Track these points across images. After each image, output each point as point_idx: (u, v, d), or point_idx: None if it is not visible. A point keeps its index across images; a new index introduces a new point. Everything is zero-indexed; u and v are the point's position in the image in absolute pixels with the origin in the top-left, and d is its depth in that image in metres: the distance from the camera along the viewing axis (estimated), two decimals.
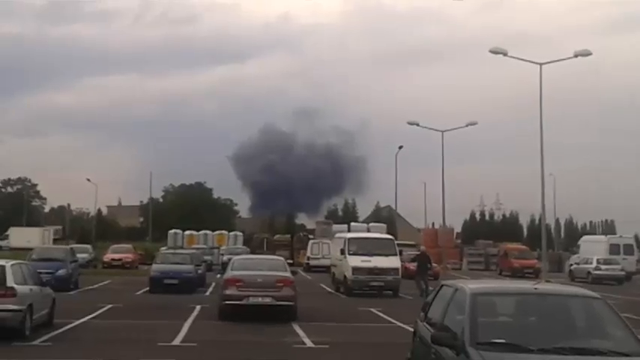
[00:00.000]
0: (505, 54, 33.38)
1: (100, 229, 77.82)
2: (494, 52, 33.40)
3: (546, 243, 36.23)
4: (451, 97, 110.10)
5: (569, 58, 33.09)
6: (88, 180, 72.73)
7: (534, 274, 40.39)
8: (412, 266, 28.58)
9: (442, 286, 8.72)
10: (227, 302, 17.42)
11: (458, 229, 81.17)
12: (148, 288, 25.83)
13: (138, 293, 25.22)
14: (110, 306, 19.88)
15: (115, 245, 46.89)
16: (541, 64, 32.66)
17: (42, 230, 66.27)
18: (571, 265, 43.41)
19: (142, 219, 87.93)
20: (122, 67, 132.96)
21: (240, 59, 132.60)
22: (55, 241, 59.73)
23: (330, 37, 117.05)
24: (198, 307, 19.83)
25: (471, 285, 7.90)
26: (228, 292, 17.43)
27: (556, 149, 73.45)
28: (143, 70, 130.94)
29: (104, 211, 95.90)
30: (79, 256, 30.43)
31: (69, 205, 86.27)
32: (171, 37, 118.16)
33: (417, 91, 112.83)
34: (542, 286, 8.37)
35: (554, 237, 68.77)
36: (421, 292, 26.13)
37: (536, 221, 74.18)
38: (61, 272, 24.29)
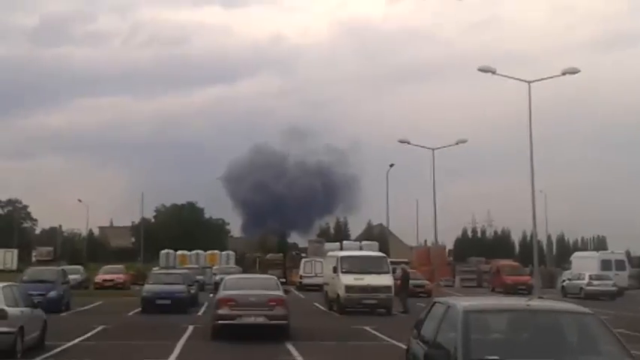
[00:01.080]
0: (494, 72, 33.60)
1: (91, 249, 77.49)
2: (483, 70, 33.61)
3: (538, 259, 36.26)
4: (442, 115, 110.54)
5: (557, 75, 33.34)
6: (80, 201, 72.53)
7: (527, 291, 40.37)
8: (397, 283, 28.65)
9: (435, 303, 8.71)
10: (220, 322, 17.33)
11: (450, 246, 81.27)
12: (140, 308, 25.68)
13: (130, 314, 25.06)
14: (102, 327, 19.72)
15: (107, 266, 46.67)
16: (529, 82, 32.89)
17: (3, 252, 66.46)
18: (563, 281, 43.39)
19: (133, 239, 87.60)
20: (113, 88, 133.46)
21: (231, 80, 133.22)
22: (39, 262, 59.48)
23: (321, 57, 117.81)
24: (190, 327, 19.72)
25: (464, 302, 7.90)
26: (220, 311, 17.35)
27: (546, 166, 73.81)
28: (134, 92, 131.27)
29: (96, 231, 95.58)
30: (70, 277, 30.22)
31: (60, 226, 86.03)
32: (162, 58, 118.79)
33: (408, 110, 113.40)
34: (535, 303, 8.38)
35: (546, 253, 68.82)
36: (404, 310, 26.30)
37: (528, 238, 74.37)
38: (52, 294, 24.12)
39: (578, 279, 40.66)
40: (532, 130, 32.52)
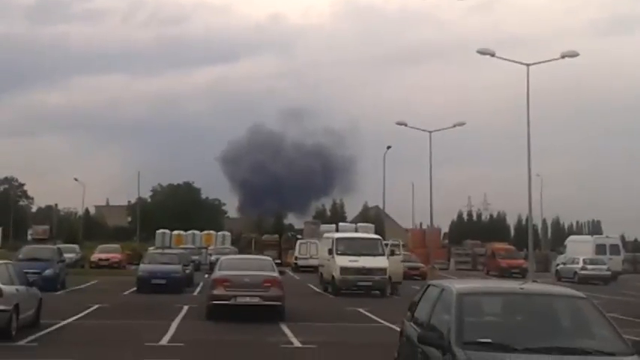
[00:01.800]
0: (493, 55, 33.46)
1: (87, 229, 77.46)
2: (482, 52, 33.47)
3: (533, 243, 36.37)
4: (441, 98, 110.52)
5: (556, 59, 33.22)
6: (76, 180, 72.37)
7: (521, 274, 40.55)
8: None
9: (429, 285, 8.72)
10: (215, 302, 17.39)
11: (445, 229, 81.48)
12: (135, 288, 25.74)
13: (125, 293, 25.12)
14: (97, 306, 19.78)
15: (103, 245, 46.72)
16: (528, 65, 32.78)
17: None
18: (557, 265, 43.62)
19: (129, 219, 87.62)
20: (111, 67, 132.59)
21: (230, 60, 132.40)
22: (35, 240, 59.58)
23: (321, 38, 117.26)
24: (185, 307, 19.78)
25: (458, 285, 7.92)
26: (215, 292, 17.39)
27: (543, 150, 73.84)
28: (132, 70, 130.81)
29: (92, 211, 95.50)
30: (66, 256, 30.24)
31: (56, 205, 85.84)
32: (161, 37, 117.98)
33: (407, 92, 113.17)
34: (529, 286, 8.39)
35: (541, 237, 69.05)
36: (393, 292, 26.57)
37: (523, 221, 74.49)
38: (47, 272, 24.11)
39: (573, 263, 40.87)
40: (530, 113, 32.49)
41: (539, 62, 33.66)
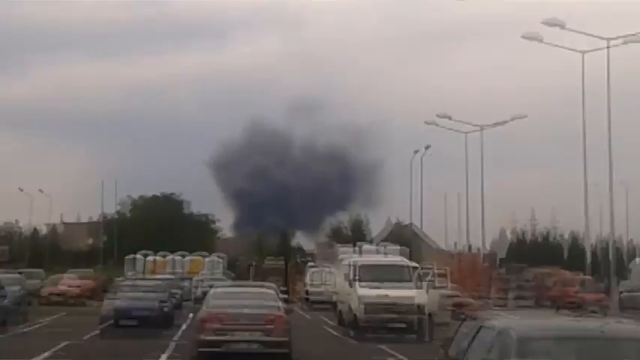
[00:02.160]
0: (540, 40, 33.55)
1: (37, 252, 77.73)
2: (528, 37, 33.60)
3: (591, 268, 36.35)
4: (477, 88, 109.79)
5: (616, 45, 33.19)
6: (21, 190, 72.79)
7: (600, 311, 40.45)
8: None
9: (481, 327, 8.58)
10: (202, 350, 17.34)
11: (484, 250, 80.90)
12: (98, 331, 25.62)
13: (86, 337, 24.93)
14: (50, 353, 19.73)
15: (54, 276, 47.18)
16: (583, 52, 32.70)
17: None
18: (621, 292, 43.88)
19: (91, 240, 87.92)
20: (75, 49, 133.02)
21: (223, 40, 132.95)
22: None
23: (336, 13, 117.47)
24: (164, 356, 19.70)
25: (517, 325, 7.84)
26: (203, 336, 17.36)
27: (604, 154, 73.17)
28: (102, 54, 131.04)
29: (43, 229, 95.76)
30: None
31: (17, 221, 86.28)
32: (139, 13, 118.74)
33: (443, 81, 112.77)
34: (612, 327, 8.28)
35: (601, 260, 69.09)
36: None
37: (580, 240, 74.47)
38: None
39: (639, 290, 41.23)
40: (585, 108, 32.46)
41: (596, 49, 33.58)
